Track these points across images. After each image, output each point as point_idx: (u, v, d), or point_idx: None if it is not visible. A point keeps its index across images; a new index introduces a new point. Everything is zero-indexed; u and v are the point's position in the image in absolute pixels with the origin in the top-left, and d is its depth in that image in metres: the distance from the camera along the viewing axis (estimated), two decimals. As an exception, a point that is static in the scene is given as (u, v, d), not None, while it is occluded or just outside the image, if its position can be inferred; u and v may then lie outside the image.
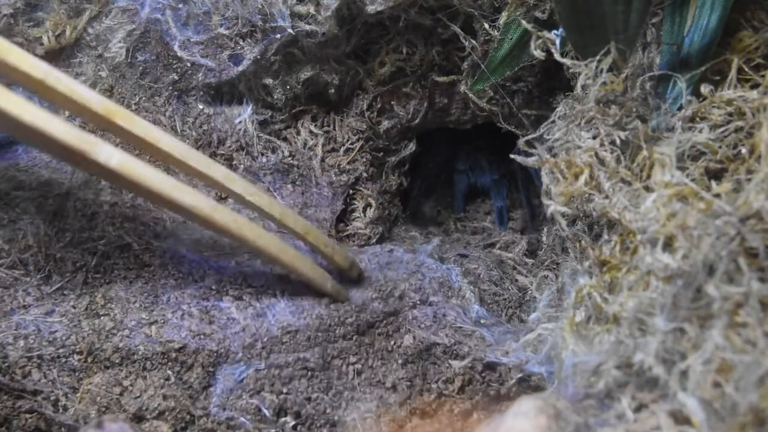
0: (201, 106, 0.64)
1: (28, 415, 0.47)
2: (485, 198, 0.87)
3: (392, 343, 0.52)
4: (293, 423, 0.47)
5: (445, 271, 0.60)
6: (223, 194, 0.58)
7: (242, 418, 0.46)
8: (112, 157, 0.42)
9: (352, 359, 0.51)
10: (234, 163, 0.64)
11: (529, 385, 0.49)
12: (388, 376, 0.50)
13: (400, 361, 0.51)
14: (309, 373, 0.49)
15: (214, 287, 0.52)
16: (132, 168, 0.42)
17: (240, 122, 0.64)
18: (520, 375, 0.49)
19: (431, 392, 0.50)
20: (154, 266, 0.53)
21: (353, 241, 0.67)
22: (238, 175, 0.50)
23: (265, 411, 0.47)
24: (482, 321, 0.55)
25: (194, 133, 0.63)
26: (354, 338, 0.52)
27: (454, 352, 0.52)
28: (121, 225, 0.55)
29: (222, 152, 0.64)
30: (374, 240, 0.68)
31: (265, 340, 0.50)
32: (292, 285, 0.54)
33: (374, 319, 0.53)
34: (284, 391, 0.48)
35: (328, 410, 0.48)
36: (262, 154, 0.65)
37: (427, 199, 0.87)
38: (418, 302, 0.55)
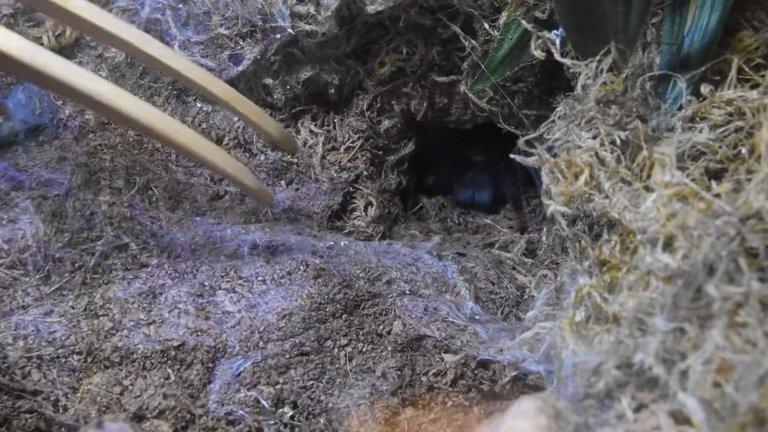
0: (200, 105, 0.64)
1: (28, 415, 0.47)
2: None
3: (381, 327, 0.52)
4: (291, 413, 0.47)
5: (441, 268, 0.60)
6: (138, 59, 0.53)
7: (241, 412, 0.46)
8: (8, 41, 0.38)
9: (343, 341, 0.51)
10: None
11: (525, 383, 0.49)
12: (378, 363, 0.50)
13: (390, 348, 0.51)
14: (304, 359, 0.49)
15: (206, 283, 0.53)
16: (28, 52, 0.38)
17: (239, 119, 0.64)
18: (514, 373, 0.49)
19: (421, 384, 0.50)
20: (151, 266, 0.53)
21: (353, 237, 0.67)
22: (154, 38, 0.47)
23: (264, 402, 0.47)
24: (477, 317, 0.55)
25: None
26: (343, 317, 0.52)
27: (446, 346, 0.52)
28: (119, 225, 0.55)
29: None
30: (377, 238, 0.68)
31: (261, 329, 0.50)
32: (279, 270, 0.54)
33: (360, 298, 0.53)
34: (280, 381, 0.48)
35: (322, 397, 0.48)
36: (261, 152, 0.65)
37: (428, 198, 0.87)
38: (407, 292, 0.55)
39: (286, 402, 0.48)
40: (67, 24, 0.49)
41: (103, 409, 0.47)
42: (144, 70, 0.63)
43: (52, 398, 0.47)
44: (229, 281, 0.53)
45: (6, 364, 0.47)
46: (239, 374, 0.48)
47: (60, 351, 0.49)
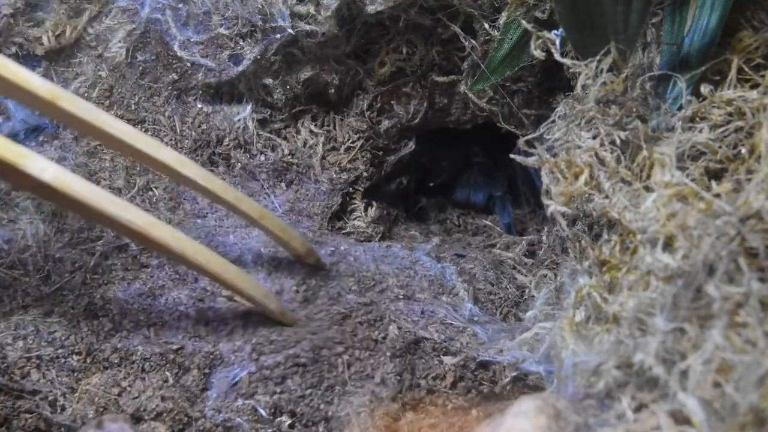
0: (200, 105, 0.64)
1: (27, 415, 0.47)
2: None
3: (376, 333, 0.52)
4: (289, 422, 0.47)
5: (440, 270, 0.59)
6: (174, 180, 0.55)
7: (239, 420, 0.46)
8: (46, 170, 0.39)
9: (339, 349, 0.50)
10: (232, 161, 0.64)
11: (525, 384, 0.49)
12: (377, 369, 0.50)
13: (388, 354, 0.51)
14: (301, 370, 0.49)
15: (208, 288, 0.52)
16: (67, 182, 0.40)
17: (239, 120, 0.64)
18: (515, 374, 0.49)
19: (420, 388, 0.50)
20: (151, 267, 0.53)
21: (352, 238, 0.67)
22: (189, 158, 0.48)
23: (261, 411, 0.47)
24: (475, 319, 0.55)
25: (193, 132, 0.63)
26: (333, 328, 0.51)
27: (445, 348, 0.51)
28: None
29: (220, 151, 0.64)
30: (377, 239, 0.68)
31: (254, 341, 0.49)
32: (277, 286, 0.54)
33: (348, 310, 0.53)
34: (278, 390, 0.48)
35: (321, 406, 0.48)
36: (261, 153, 0.65)
37: (429, 199, 0.87)
38: (401, 297, 0.55)
39: (284, 411, 0.47)
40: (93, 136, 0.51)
41: (101, 409, 0.47)
42: (144, 69, 0.63)
43: (50, 398, 0.47)
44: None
45: (5, 364, 0.47)
46: (236, 383, 0.48)
47: (59, 351, 0.49)
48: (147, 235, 0.42)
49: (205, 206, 0.61)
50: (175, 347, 0.49)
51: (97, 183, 0.57)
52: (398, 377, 0.50)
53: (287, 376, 0.48)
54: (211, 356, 0.49)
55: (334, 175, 0.67)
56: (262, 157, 0.65)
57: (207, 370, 0.49)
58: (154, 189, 0.59)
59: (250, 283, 0.48)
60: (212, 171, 0.63)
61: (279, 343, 0.49)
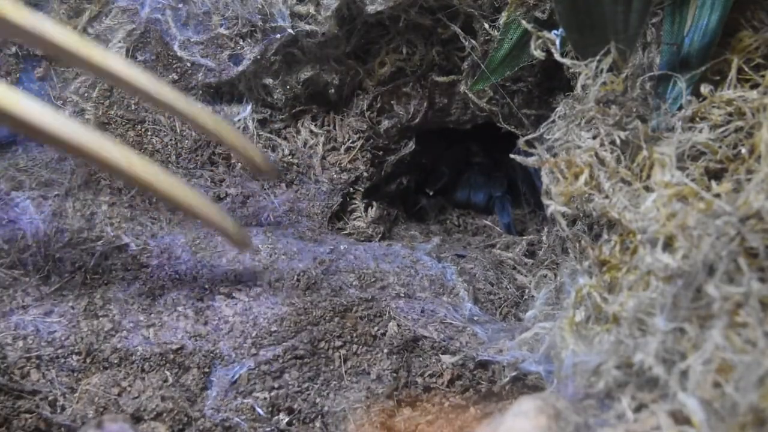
0: (200, 105, 0.64)
1: (27, 415, 0.47)
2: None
3: (375, 329, 0.52)
4: (287, 420, 0.47)
5: (440, 270, 0.60)
6: (119, 86, 0.51)
7: (237, 419, 0.46)
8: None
9: (338, 342, 0.51)
10: (232, 161, 0.64)
11: (525, 384, 0.49)
12: (373, 365, 0.50)
13: (385, 350, 0.51)
14: (298, 362, 0.49)
15: (207, 286, 0.53)
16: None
17: (239, 120, 0.64)
18: (514, 373, 0.49)
19: (417, 385, 0.50)
20: (151, 267, 0.53)
21: (352, 238, 0.67)
22: (139, 66, 0.45)
23: (259, 411, 0.47)
24: (475, 318, 0.55)
25: (193, 132, 0.63)
26: (335, 320, 0.52)
27: (444, 347, 0.52)
28: (120, 225, 0.55)
29: (220, 151, 0.64)
30: (377, 239, 0.68)
31: (254, 335, 0.50)
32: (276, 276, 0.54)
33: (349, 303, 0.53)
34: (276, 386, 0.48)
35: (317, 400, 0.48)
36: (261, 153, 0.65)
37: (429, 199, 0.87)
38: (402, 295, 0.55)
39: (282, 408, 0.48)
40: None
41: (101, 409, 0.47)
42: (144, 69, 0.63)
43: (50, 398, 0.47)
44: (227, 286, 0.53)
45: (5, 365, 0.47)
46: (235, 381, 0.48)
47: (59, 351, 0.49)
48: (92, 153, 0.39)
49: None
50: (174, 347, 0.49)
51: (97, 183, 0.57)
52: (394, 374, 0.50)
53: (285, 369, 0.49)
54: (211, 355, 0.49)
55: (335, 175, 0.67)
56: (262, 157, 0.65)
57: (207, 369, 0.49)
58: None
59: (204, 202, 0.44)
60: (212, 171, 0.63)
61: (279, 334, 0.50)
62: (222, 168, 0.63)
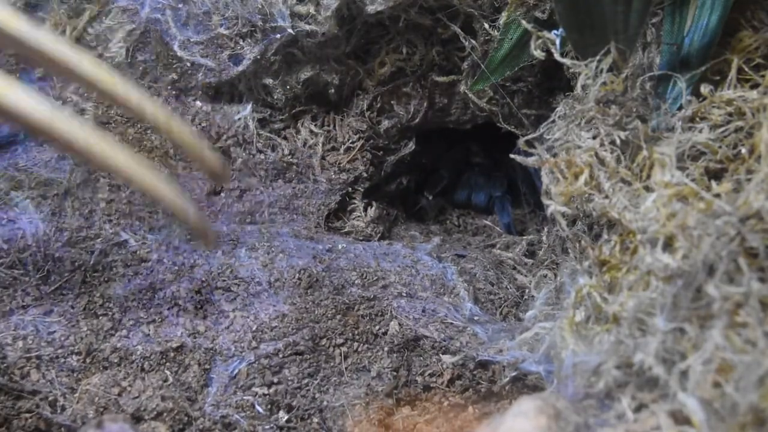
0: (200, 105, 0.64)
1: (27, 415, 0.46)
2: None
3: (377, 328, 0.52)
4: (286, 417, 0.47)
5: (441, 269, 0.60)
6: (66, 76, 0.42)
7: (237, 416, 0.47)
8: None
9: (339, 340, 0.51)
10: (233, 156, 0.64)
11: (525, 384, 0.49)
12: (374, 363, 0.50)
13: (386, 349, 0.51)
14: (298, 358, 0.49)
15: (204, 279, 0.53)
16: None
17: (239, 119, 0.64)
18: (514, 373, 0.49)
19: (417, 384, 0.50)
20: (151, 261, 0.53)
21: (351, 238, 0.67)
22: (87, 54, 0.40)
23: (258, 408, 0.47)
24: (476, 318, 0.56)
25: (193, 130, 0.63)
26: (337, 318, 0.52)
27: (445, 347, 0.52)
28: (118, 221, 0.55)
29: (220, 146, 0.64)
30: (376, 239, 0.68)
31: (254, 329, 0.50)
32: (276, 274, 0.54)
33: (352, 302, 0.53)
34: (275, 381, 0.48)
35: (316, 395, 0.48)
36: (261, 152, 0.65)
37: (428, 199, 0.87)
38: (404, 294, 0.55)
39: (281, 405, 0.48)
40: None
41: (101, 409, 0.47)
42: (144, 69, 0.63)
43: (50, 398, 0.47)
44: (225, 279, 0.53)
45: (5, 365, 0.47)
46: (235, 376, 0.48)
47: (59, 351, 0.49)
48: (49, 130, 0.35)
49: (201, 198, 0.61)
50: (174, 345, 0.49)
51: (96, 181, 0.57)
52: (394, 372, 0.50)
53: (285, 364, 0.49)
54: (211, 351, 0.49)
55: (333, 175, 0.67)
56: (262, 156, 0.65)
57: (207, 366, 0.49)
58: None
59: (169, 188, 0.40)
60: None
61: (279, 329, 0.50)
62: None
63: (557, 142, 0.50)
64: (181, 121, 0.43)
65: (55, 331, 0.49)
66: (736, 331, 0.35)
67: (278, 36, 0.61)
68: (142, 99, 0.40)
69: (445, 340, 0.52)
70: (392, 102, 0.71)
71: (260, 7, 0.60)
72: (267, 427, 0.47)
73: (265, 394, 0.48)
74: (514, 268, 0.67)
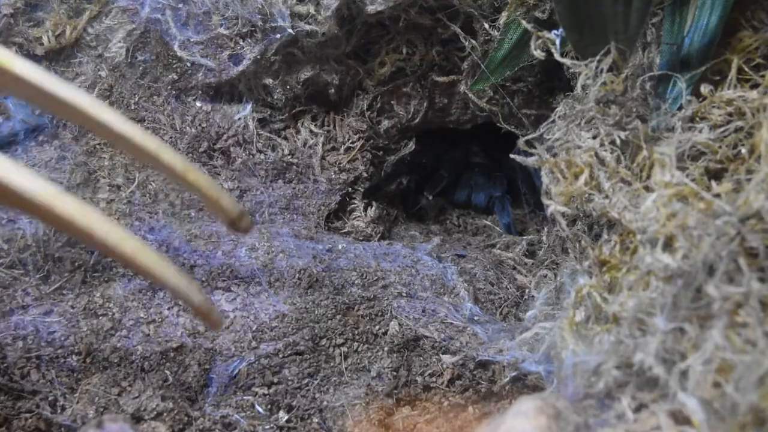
0: (200, 105, 0.64)
1: (27, 415, 0.47)
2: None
3: (377, 328, 0.52)
4: (286, 417, 0.47)
5: (441, 270, 0.60)
6: (87, 126, 0.42)
7: (237, 416, 0.47)
8: None
9: (339, 340, 0.51)
10: (233, 156, 0.64)
11: (525, 384, 0.49)
12: (373, 363, 0.51)
13: (386, 349, 0.51)
14: (298, 358, 0.49)
15: (204, 279, 0.53)
16: None
17: (239, 119, 0.64)
18: (514, 373, 0.49)
19: (417, 384, 0.50)
20: (151, 261, 0.53)
21: (351, 238, 0.67)
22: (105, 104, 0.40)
23: (258, 408, 0.47)
24: (476, 318, 0.56)
25: (193, 130, 0.63)
26: (337, 318, 0.52)
27: (445, 347, 0.52)
28: (118, 221, 0.55)
29: (219, 146, 0.64)
30: (376, 239, 0.68)
31: (254, 329, 0.50)
32: (276, 274, 0.54)
33: (352, 302, 0.53)
34: (275, 381, 0.48)
35: (316, 395, 0.48)
36: (261, 152, 0.65)
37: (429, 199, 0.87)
38: (404, 294, 0.55)
39: (281, 405, 0.48)
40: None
41: (101, 409, 0.47)
42: (144, 69, 0.63)
43: (50, 398, 0.47)
44: (225, 280, 0.53)
45: (5, 365, 0.47)
46: (235, 376, 0.48)
47: (59, 351, 0.49)
48: (48, 208, 0.34)
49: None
50: (174, 345, 0.49)
51: (96, 181, 0.57)
52: (394, 372, 0.50)
53: (285, 364, 0.49)
54: (211, 351, 0.49)
55: (333, 175, 0.67)
56: (262, 156, 0.65)
57: (207, 366, 0.49)
58: (153, 182, 0.60)
59: (171, 269, 0.38)
60: (209, 165, 0.63)
61: (279, 329, 0.50)
62: (220, 161, 0.63)
63: (557, 142, 0.50)
64: (197, 169, 0.40)
65: (55, 331, 0.49)
66: (736, 331, 0.35)
67: (278, 36, 0.61)
68: (161, 147, 0.38)
69: (445, 340, 0.52)
70: (392, 102, 0.71)
71: (260, 7, 0.60)
72: (267, 427, 0.47)
73: (265, 394, 0.48)
74: (514, 268, 0.67)
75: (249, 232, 0.44)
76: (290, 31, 0.60)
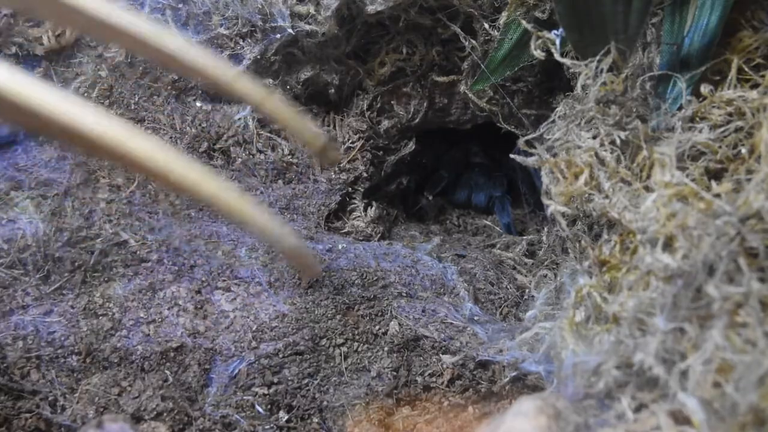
0: (200, 104, 0.64)
1: (27, 415, 0.47)
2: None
3: (377, 327, 0.52)
4: (286, 417, 0.47)
5: (441, 270, 0.60)
6: (153, 56, 0.38)
7: (237, 416, 0.47)
8: None
9: (339, 340, 0.51)
10: (233, 156, 0.64)
11: (525, 384, 0.49)
12: (374, 363, 0.51)
13: (386, 349, 0.51)
14: (298, 358, 0.49)
15: (204, 279, 0.53)
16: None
17: (239, 119, 0.64)
18: (514, 373, 0.49)
19: (417, 384, 0.50)
20: (151, 261, 0.53)
21: (351, 238, 0.67)
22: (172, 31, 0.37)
23: (258, 408, 0.47)
24: (476, 318, 0.56)
25: (193, 130, 0.63)
26: (337, 318, 0.52)
27: (445, 347, 0.52)
28: (118, 221, 0.55)
29: (219, 146, 0.64)
30: (376, 239, 0.68)
31: (254, 329, 0.50)
32: (275, 273, 0.54)
33: (352, 302, 0.53)
34: (275, 381, 0.48)
35: (316, 395, 0.49)
36: (261, 152, 0.65)
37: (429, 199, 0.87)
38: (404, 294, 0.55)
39: (281, 405, 0.48)
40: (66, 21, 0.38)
41: (101, 409, 0.47)
42: (144, 69, 0.63)
43: (50, 398, 0.47)
44: (225, 280, 0.53)
45: (5, 365, 0.47)
46: (235, 376, 0.48)
47: (59, 351, 0.49)
48: (115, 148, 0.30)
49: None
50: (174, 345, 0.49)
51: (96, 181, 0.57)
52: (394, 372, 0.50)
53: (285, 364, 0.49)
54: (211, 351, 0.49)
55: (333, 175, 0.67)
56: (262, 156, 0.65)
57: (207, 366, 0.49)
58: (152, 183, 0.60)
59: (256, 210, 0.33)
60: (210, 165, 0.63)
61: (279, 329, 0.50)
62: (220, 161, 0.63)
63: (557, 142, 0.50)
64: (277, 98, 0.37)
65: (55, 331, 0.49)
66: (736, 331, 0.35)
67: (278, 36, 0.61)
68: (237, 74, 0.36)
69: (445, 340, 0.52)
70: (392, 102, 0.71)
71: (260, 7, 0.60)
72: (267, 427, 0.47)
73: (265, 394, 0.48)
74: (514, 268, 0.67)
75: (336, 163, 0.39)
76: (290, 31, 0.60)
